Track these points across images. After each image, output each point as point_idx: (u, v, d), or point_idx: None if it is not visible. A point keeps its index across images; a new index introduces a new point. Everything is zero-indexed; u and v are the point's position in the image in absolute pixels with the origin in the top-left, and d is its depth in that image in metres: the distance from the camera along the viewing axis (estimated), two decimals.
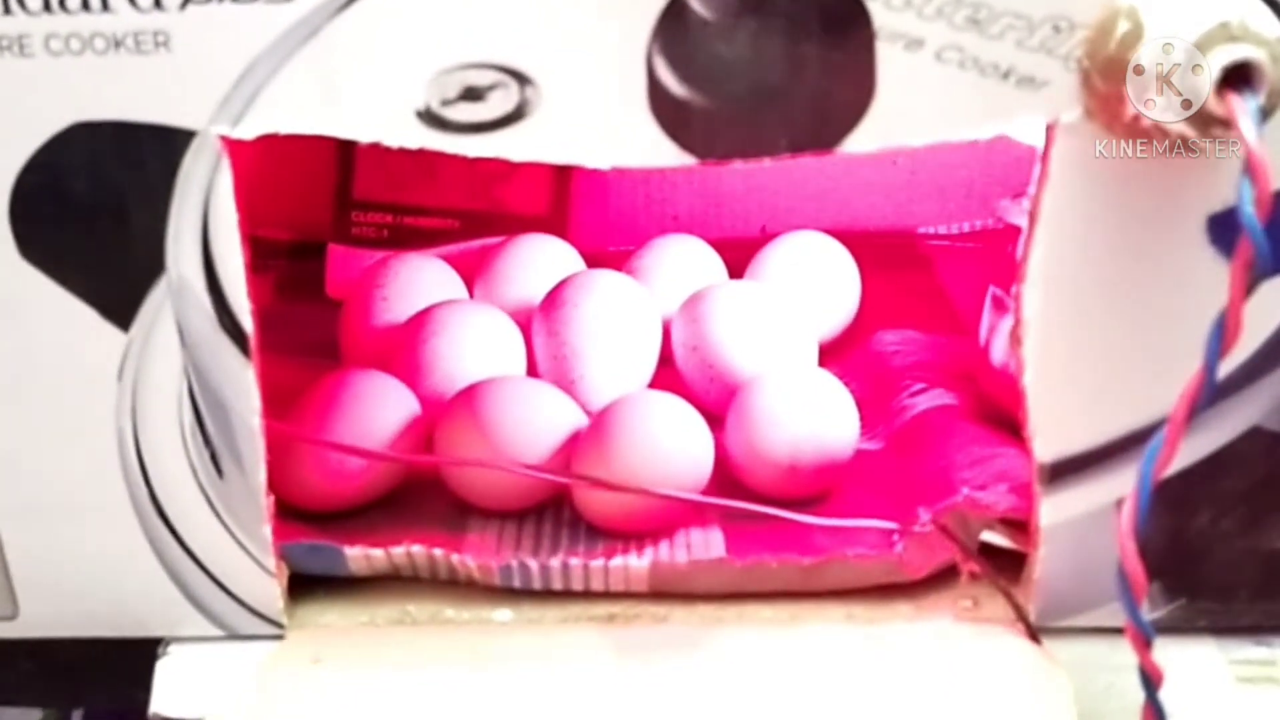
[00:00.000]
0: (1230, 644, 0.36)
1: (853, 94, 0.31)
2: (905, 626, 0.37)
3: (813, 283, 0.49)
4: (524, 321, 0.47)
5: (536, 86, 0.31)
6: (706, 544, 0.39)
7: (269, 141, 0.31)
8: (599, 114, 0.31)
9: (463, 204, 0.54)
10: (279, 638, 0.37)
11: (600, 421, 0.40)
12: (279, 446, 0.36)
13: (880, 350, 0.48)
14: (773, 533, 0.39)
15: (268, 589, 0.37)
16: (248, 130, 0.31)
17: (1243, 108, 0.27)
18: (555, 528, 0.40)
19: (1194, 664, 0.36)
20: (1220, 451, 0.34)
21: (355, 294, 0.49)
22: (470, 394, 0.41)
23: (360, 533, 0.39)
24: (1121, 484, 0.33)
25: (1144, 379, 0.33)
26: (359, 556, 0.38)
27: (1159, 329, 0.33)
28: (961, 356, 0.46)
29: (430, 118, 0.31)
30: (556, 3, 0.30)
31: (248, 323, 0.33)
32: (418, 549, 0.38)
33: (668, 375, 0.46)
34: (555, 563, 0.38)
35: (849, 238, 0.51)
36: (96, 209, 0.32)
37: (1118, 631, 0.30)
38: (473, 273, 0.51)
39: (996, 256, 0.46)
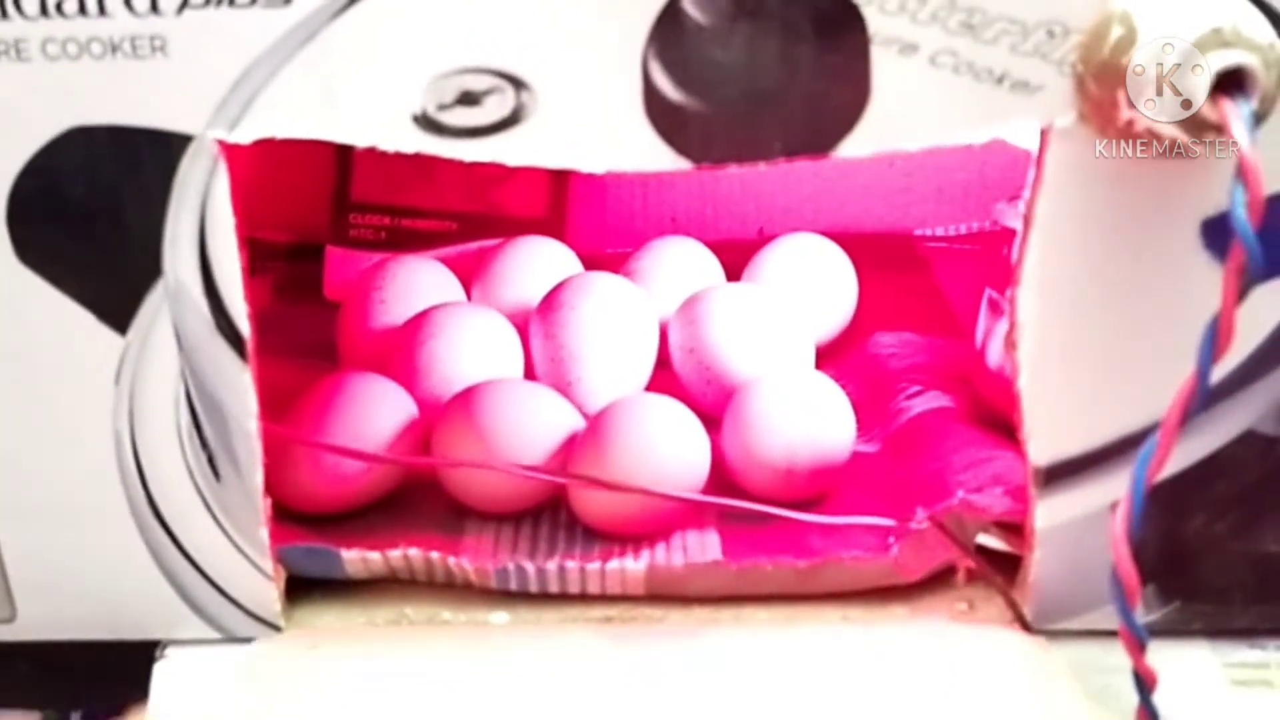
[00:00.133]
0: (1224, 647, 0.36)
1: (847, 98, 0.31)
2: (901, 629, 0.37)
3: (810, 285, 0.49)
4: (521, 324, 0.47)
5: (532, 91, 0.31)
6: (703, 547, 0.39)
7: (267, 144, 0.31)
8: (595, 118, 0.31)
9: (460, 206, 0.54)
10: (276, 640, 0.37)
11: (597, 424, 0.40)
12: (276, 449, 0.36)
13: (877, 352, 0.48)
14: (768, 535, 0.39)
15: (265, 591, 0.37)
16: (244, 135, 0.31)
17: (1235, 113, 0.27)
18: (552, 530, 0.40)
19: (1188, 667, 0.36)
20: (1214, 455, 0.34)
21: (353, 296, 0.49)
22: (467, 396, 0.41)
23: (357, 535, 0.39)
24: (1116, 487, 0.32)
25: (1138, 383, 0.33)
26: (356, 559, 0.38)
27: (1153, 333, 0.33)
28: (958, 359, 0.46)
29: (426, 122, 0.31)
30: (553, 8, 0.30)
31: (244, 326, 0.33)
32: (415, 551, 0.38)
33: (665, 377, 0.46)
34: (552, 565, 0.38)
35: (846, 240, 0.51)
36: (94, 213, 0.32)
37: (1113, 634, 0.30)
38: (470, 275, 0.51)
39: (993, 259, 0.46)
